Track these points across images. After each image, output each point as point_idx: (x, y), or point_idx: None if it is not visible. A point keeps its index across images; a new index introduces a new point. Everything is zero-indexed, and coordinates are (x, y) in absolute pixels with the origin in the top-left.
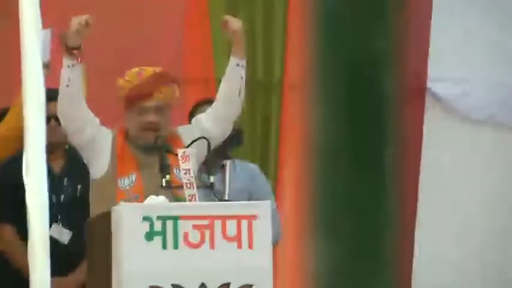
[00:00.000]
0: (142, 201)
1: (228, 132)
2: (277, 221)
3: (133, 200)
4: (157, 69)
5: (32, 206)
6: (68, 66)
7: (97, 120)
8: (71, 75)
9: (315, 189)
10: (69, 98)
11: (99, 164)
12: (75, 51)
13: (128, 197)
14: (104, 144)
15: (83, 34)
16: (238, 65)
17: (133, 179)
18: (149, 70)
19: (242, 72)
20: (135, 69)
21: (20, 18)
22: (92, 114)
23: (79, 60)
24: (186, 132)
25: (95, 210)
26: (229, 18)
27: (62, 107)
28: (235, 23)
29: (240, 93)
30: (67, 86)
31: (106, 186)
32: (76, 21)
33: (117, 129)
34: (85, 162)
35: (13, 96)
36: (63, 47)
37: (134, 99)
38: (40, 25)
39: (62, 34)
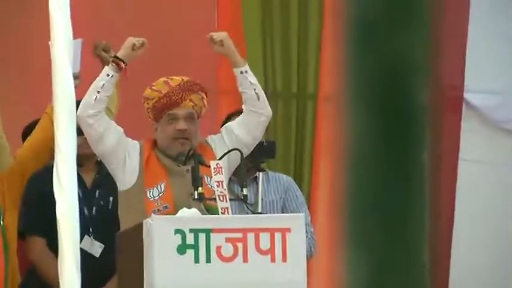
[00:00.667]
0: (172, 211)
1: (259, 139)
2: (311, 235)
3: (163, 210)
4: (185, 78)
5: (62, 218)
6: (108, 75)
7: (120, 130)
8: (107, 84)
9: (348, 201)
10: (95, 104)
11: (125, 176)
12: (122, 64)
13: (157, 207)
14: (132, 155)
15: (135, 53)
16: (242, 72)
17: (162, 189)
18: (177, 79)
19: (250, 78)
20: (162, 79)
21: (50, 26)
22: (114, 123)
23: (126, 76)
24: (215, 141)
25: (124, 222)
26: (211, 34)
27: (82, 112)
28: (219, 35)
29: (258, 97)
30: (98, 92)
31: (134, 198)
32: (133, 40)
33: (143, 140)
34: (111, 173)
35: (35, 102)
36: (97, 54)
37: (163, 108)
38: (71, 34)
39: (97, 43)
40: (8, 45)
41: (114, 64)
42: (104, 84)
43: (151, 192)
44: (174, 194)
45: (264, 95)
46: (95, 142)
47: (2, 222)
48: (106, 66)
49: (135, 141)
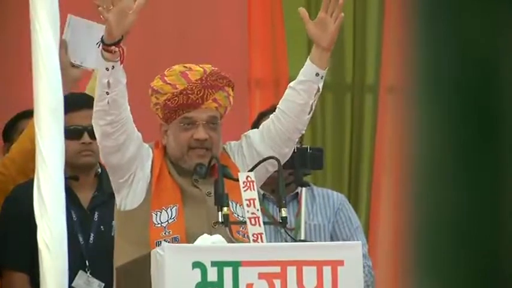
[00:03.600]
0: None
1: (289, 155)
2: (368, 270)
3: (171, 242)
4: (208, 69)
5: (45, 250)
6: (107, 69)
7: (140, 136)
8: (111, 79)
9: (420, 226)
10: (110, 108)
11: (131, 192)
12: (113, 48)
13: (163, 237)
14: (145, 165)
15: (120, 20)
16: (318, 74)
17: (173, 214)
18: (198, 70)
19: (320, 84)
20: (178, 68)
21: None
22: (134, 127)
23: (122, 60)
24: (234, 152)
25: (118, 252)
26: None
27: (99, 119)
28: (340, 13)
29: (311, 110)
30: (106, 93)
31: (136, 221)
32: (101, 2)
33: (153, 146)
34: (113, 187)
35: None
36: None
37: (178, 109)
38: (57, 14)
39: None
40: None
41: (106, 52)
42: (108, 81)
43: (158, 217)
44: (187, 223)
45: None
46: (109, 153)
47: None
48: (101, 59)
49: (147, 146)
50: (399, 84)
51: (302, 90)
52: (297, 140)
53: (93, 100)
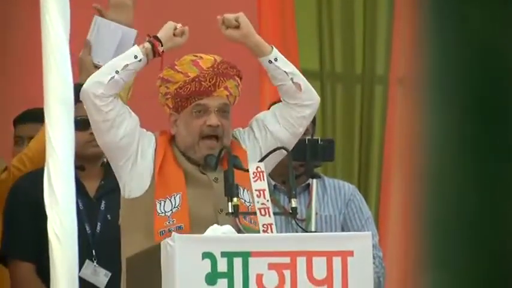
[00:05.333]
0: (186, 233)
1: (300, 135)
2: (379, 261)
3: (176, 231)
4: (218, 58)
5: (55, 240)
6: (136, 57)
7: (136, 118)
8: (130, 67)
9: (427, 215)
10: (107, 85)
11: (133, 179)
12: (160, 47)
13: (167, 226)
14: (146, 152)
15: (175, 40)
16: (271, 62)
17: (177, 202)
18: (208, 58)
19: (283, 66)
20: (189, 57)
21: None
22: (128, 109)
23: (162, 65)
24: (245, 138)
25: (125, 243)
26: (226, 16)
27: (90, 87)
28: (234, 15)
29: (300, 87)
30: (116, 71)
31: (140, 211)
32: (175, 24)
33: (158, 134)
34: (115, 173)
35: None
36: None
37: (190, 96)
38: (67, 6)
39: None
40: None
41: (150, 44)
42: (126, 65)
43: (162, 206)
44: (191, 210)
45: (307, 82)
46: (102, 131)
47: None
48: (135, 46)
49: (150, 133)
50: (409, 76)
51: (277, 81)
52: (310, 117)
53: None
